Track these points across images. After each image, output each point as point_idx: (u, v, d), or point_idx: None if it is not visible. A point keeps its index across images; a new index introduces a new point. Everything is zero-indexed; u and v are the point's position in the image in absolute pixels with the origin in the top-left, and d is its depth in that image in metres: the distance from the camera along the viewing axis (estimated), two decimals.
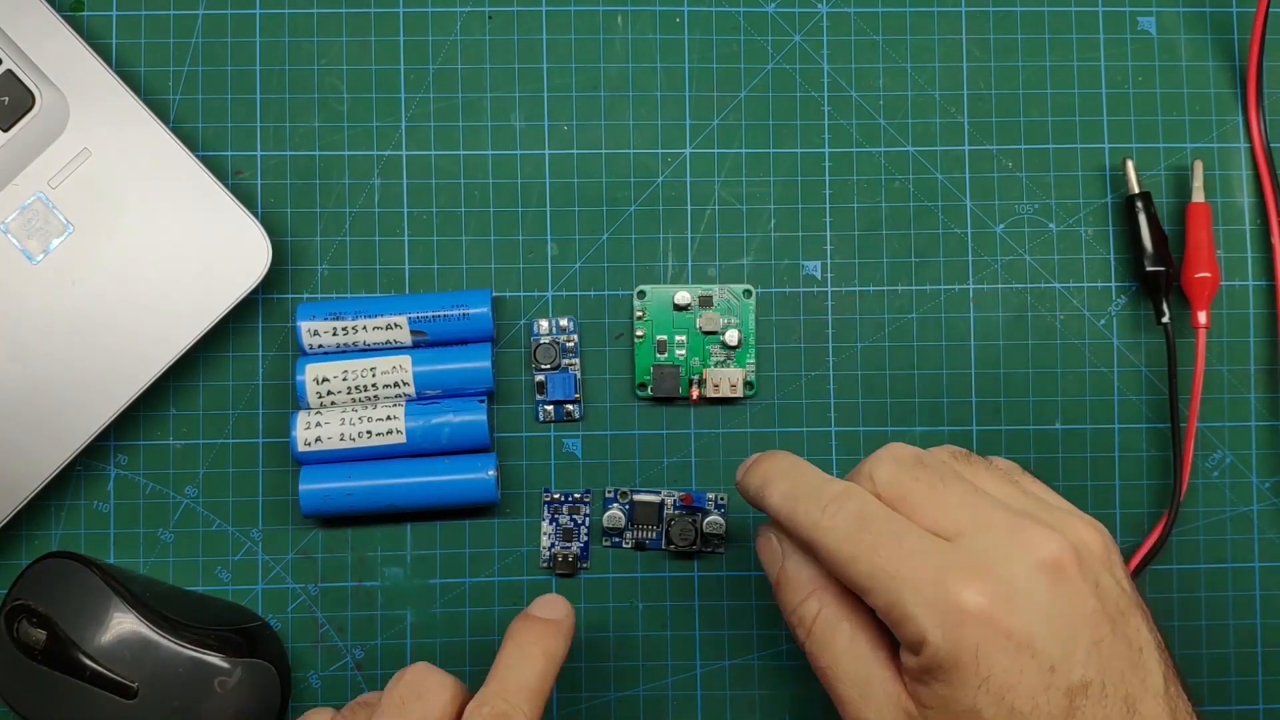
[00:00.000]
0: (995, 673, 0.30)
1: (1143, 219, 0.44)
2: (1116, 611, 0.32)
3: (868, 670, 0.33)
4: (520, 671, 0.34)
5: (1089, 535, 0.33)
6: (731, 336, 0.43)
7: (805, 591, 0.35)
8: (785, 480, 0.35)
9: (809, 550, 0.34)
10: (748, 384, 0.44)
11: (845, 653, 0.34)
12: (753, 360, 0.44)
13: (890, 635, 0.33)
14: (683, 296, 0.43)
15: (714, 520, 0.43)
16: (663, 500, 0.43)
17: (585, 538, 0.43)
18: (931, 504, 0.33)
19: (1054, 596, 0.31)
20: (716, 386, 0.43)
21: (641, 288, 0.44)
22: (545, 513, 0.43)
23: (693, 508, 0.43)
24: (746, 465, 0.37)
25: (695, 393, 0.43)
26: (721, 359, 0.44)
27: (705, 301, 0.44)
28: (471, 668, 0.43)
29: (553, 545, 0.43)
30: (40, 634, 0.39)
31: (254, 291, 0.42)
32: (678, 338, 0.44)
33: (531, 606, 0.37)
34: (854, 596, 0.34)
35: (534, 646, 0.35)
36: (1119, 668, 0.31)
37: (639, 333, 0.44)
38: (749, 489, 0.36)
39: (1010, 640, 0.30)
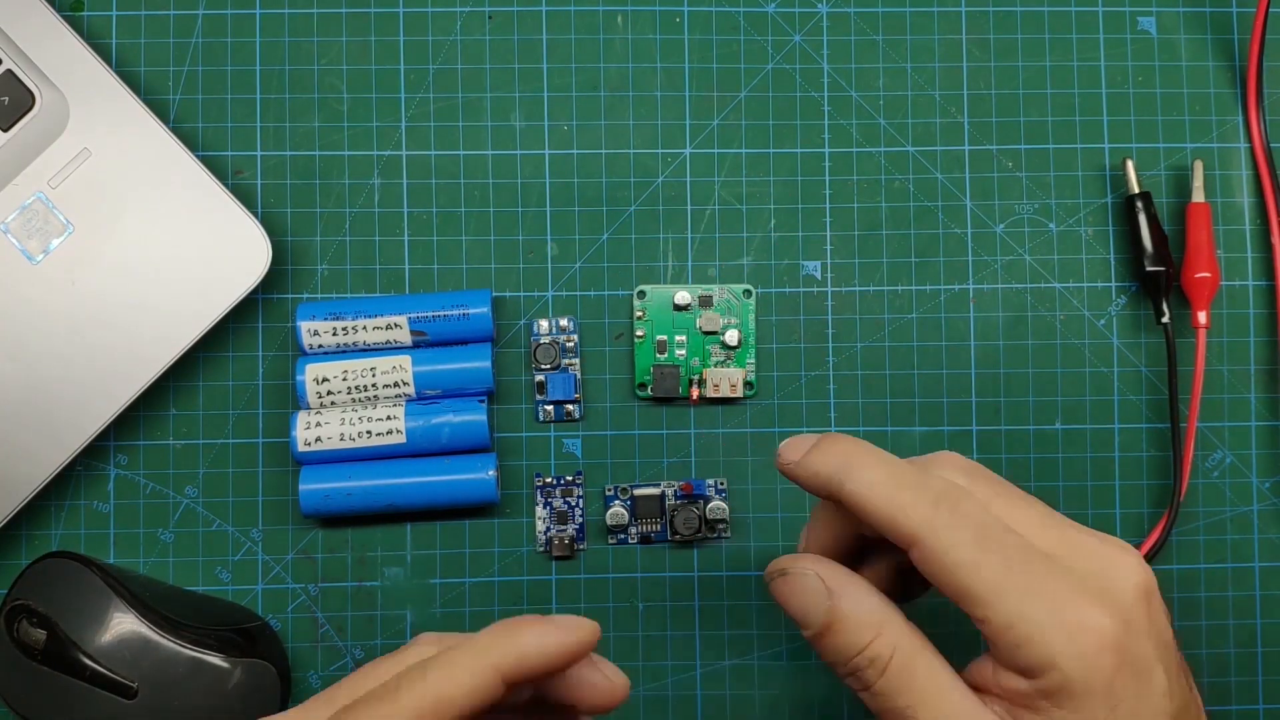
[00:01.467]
0: (1125, 699, 0.29)
1: (1143, 219, 0.44)
2: (1173, 635, 0.32)
3: (957, 703, 0.30)
4: (444, 685, 0.28)
5: (1143, 561, 0.32)
6: (731, 336, 0.43)
7: (873, 630, 0.31)
8: (878, 468, 0.31)
9: (908, 546, 0.31)
10: (747, 384, 0.44)
11: (929, 688, 0.30)
12: (752, 360, 0.44)
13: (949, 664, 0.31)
14: (683, 296, 0.43)
15: (717, 505, 0.43)
16: (663, 492, 0.43)
17: (580, 519, 0.43)
18: (1016, 520, 0.31)
19: (1151, 621, 0.31)
20: (716, 386, 0.43)
21: (641, 288, 0.44)
22: (539, 497, 0.43)
23: (693, 496, 0.43)
24: (803, 448, 0.33)
25: (695, 393, 0.43)
26: (721, 359, 0.44)
27: (705, 301, 0.44)
28: None
29: (548, 529, 0.43)
30: (40, 634, 0.39)
31: (254, 291, 0.42)
32: (678, 338, 0.44)
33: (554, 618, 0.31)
34: (916, 628, 0.32)
35: (490, 656, 0.28)
36: (1186, 695, 0.31)
37: (639, 333, 0.43)
38: (818, 472, 0.32)
39: (1135, 667, 0.30)
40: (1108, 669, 0.29)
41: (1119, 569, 0.31)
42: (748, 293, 0.44)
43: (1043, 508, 0.32)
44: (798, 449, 0.33)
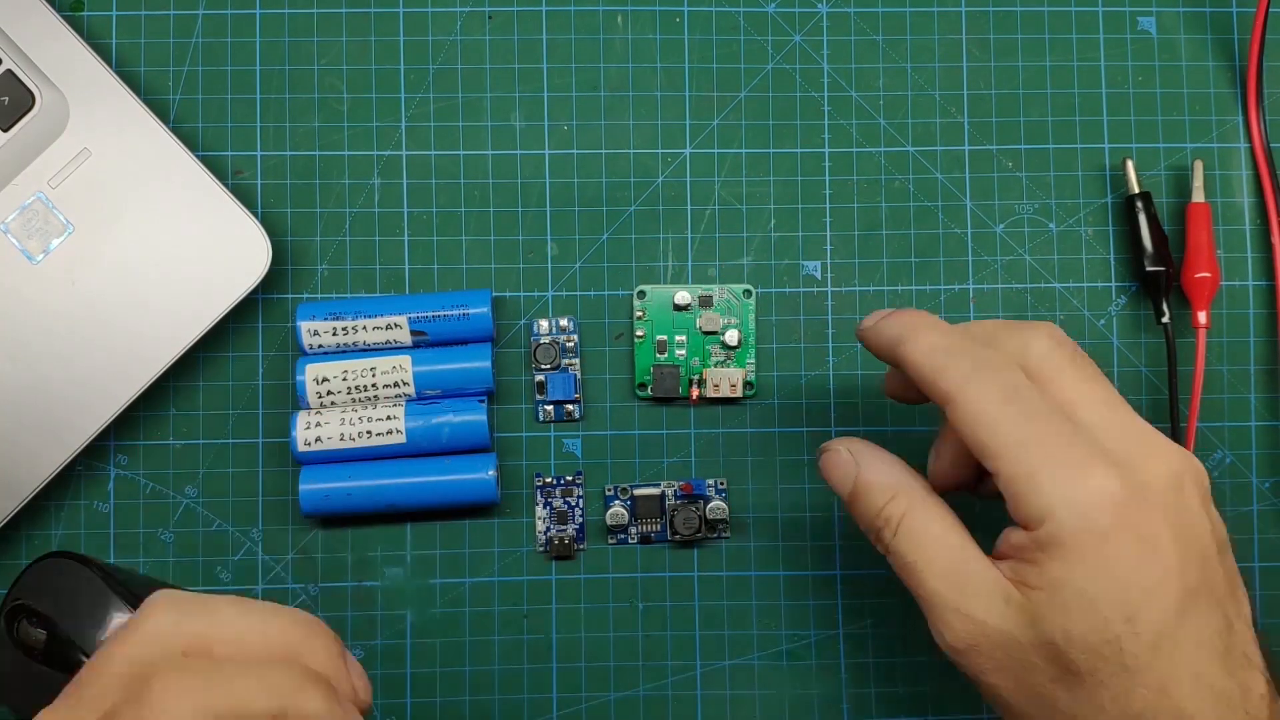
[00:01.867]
0: (1120, 560, 0.30)
1: (1143, 219, 0.44)
2: (1221, 539, 0.32)
3: (963, 559, 0.33)
4: None
5: (1198, 464, 0.33)
6: (731, 336, 0.43)
7: (889, 493, 0.34)
8: (935, 335, 0.34)
9: (945, 405, 0.33)
10: (747, 384, 0.44)
11: (938, 544, 0.33)
12: (752, 360, 0.44)
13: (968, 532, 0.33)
14: (683, 296, 0.43)
15: (717, 505, 0.43)
16: (663, 492, 0.43)
17: (580, 519, 0.43)
18: (1079, 394, 0.33)
19: (1179, 508, 0.31)
20: (716, 386, 0.43)
21: (642, 288, 0.44)
22: (539, 497, 0.43)
23: (693, 496, 0.43)
24: (879, 316, 0.36)
25: (695, 393, 0.43)
26: (721, 359, 0.44)
27: (705, 301, 0.44)
28: (471, 667, 0.43)
29: (548, 529, 0.43)
30: (40, 634, 0.39)
31: (254, 291, 0.42)
32: (678, 338, 0.43)
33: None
34: (937, 497, 0.34)
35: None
36: (1221, 587, 0.31)
37: (639, 333, 0.43)
38: (882, 338, 0.35)
39: (1138, 534, 0.30)
40: (1103, 528, 0.30)
41: (1156, 454, 0.32)
42: (748, 293, 0.44)
43: (1110, 392, 0.33)
44: (873, 317, 0.36)
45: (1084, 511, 0.30)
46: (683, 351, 0.44)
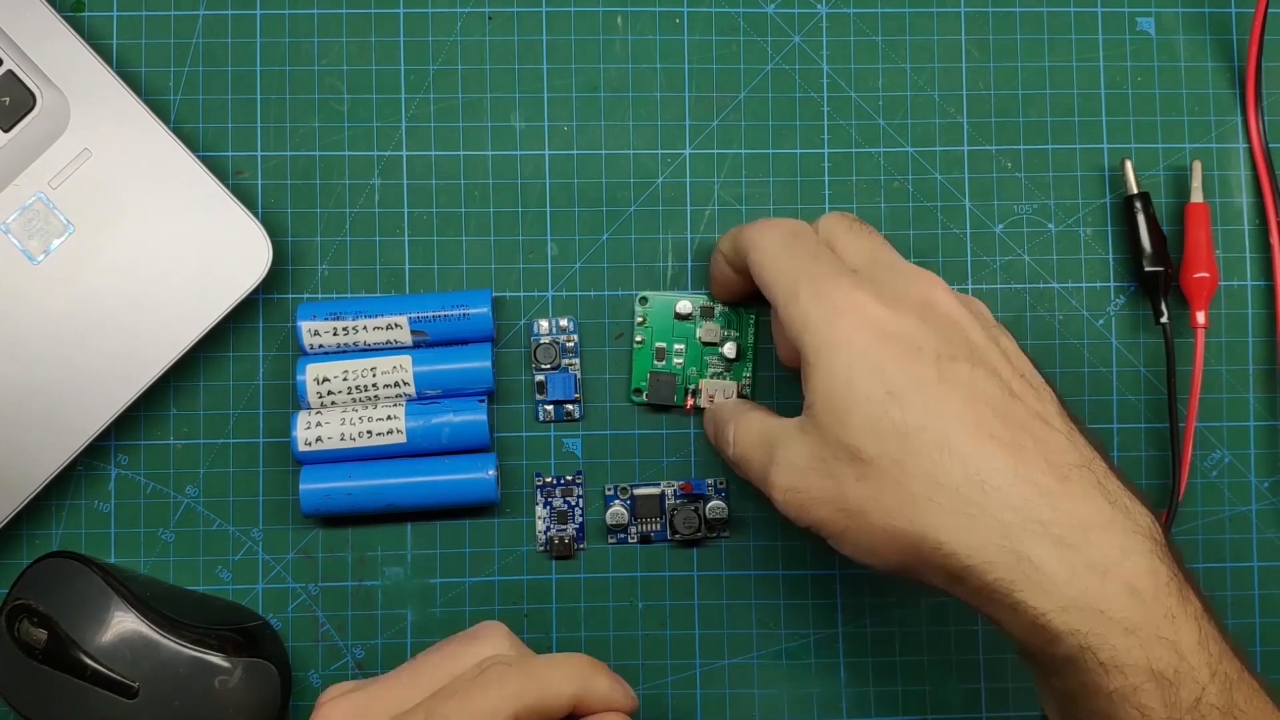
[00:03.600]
0: (868, 348, 0.34)
1: (1141, 219, 0.44)
2: (992, 337, 0.35)
3: (767, 428, 0.37)
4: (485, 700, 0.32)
5: (975, 303, 0.37)
6: (730, 349, 0.43)
7: (725, 419, 0.40)
8: (749, 225, 0.39)
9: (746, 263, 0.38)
10: (741, 398, 0.43)
11: (753, 434, 0.37)
12: (749, 375, 0.44)
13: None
14: (684, 306, 0.43)
15: (716, 505, 0.43)
16: (663, 492, 0.43)
17: (580, 519, 0.43)
18: (850, 243, 0.37)
19: (928, 310, 0.35)
20: (711, 398, 0.43)
21: (644, 294, 0.44)
22: (539, 496, 0.43)
23: (693, 495, 0.43)
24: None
25: (690, 402, 0.43)
26: (719, 370, 0.44)
27: (707, 312, 0.44)
28: None
29: (548, 529, 0.43)
30: (41, 633, 0.39)
31: (254, 291, 0.42)
32: (676, 346, 0.43)
33: (607, 677, 0.35)
34: (762, 409, 0.39)
35: (576, 682, 0.33)
36: (994, 363, 0.34)
37: (638, 338, 0.43)
38: (721, 245, 0.41)
39: (882, 326, 0.34)
40: (850, 325, 0.34)
41: (909, 279, 0.36)
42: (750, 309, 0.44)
43: (878, 245, 0.38)
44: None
45: (830, 316, 0.34)
46: (680, 360, 0.44)
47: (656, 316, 0.44)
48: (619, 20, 0.45)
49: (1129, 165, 0.44)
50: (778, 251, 0.37)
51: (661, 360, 0.43)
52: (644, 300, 0.44)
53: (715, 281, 0.42)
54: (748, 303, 0.44)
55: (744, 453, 0.38)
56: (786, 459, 0.35)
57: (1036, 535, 0.31)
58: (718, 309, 0.44)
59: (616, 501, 0.43)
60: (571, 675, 0.33)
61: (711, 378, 0.43)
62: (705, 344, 0.43)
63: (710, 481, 0.43)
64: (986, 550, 0.31)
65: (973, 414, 0.32)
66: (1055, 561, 0.31)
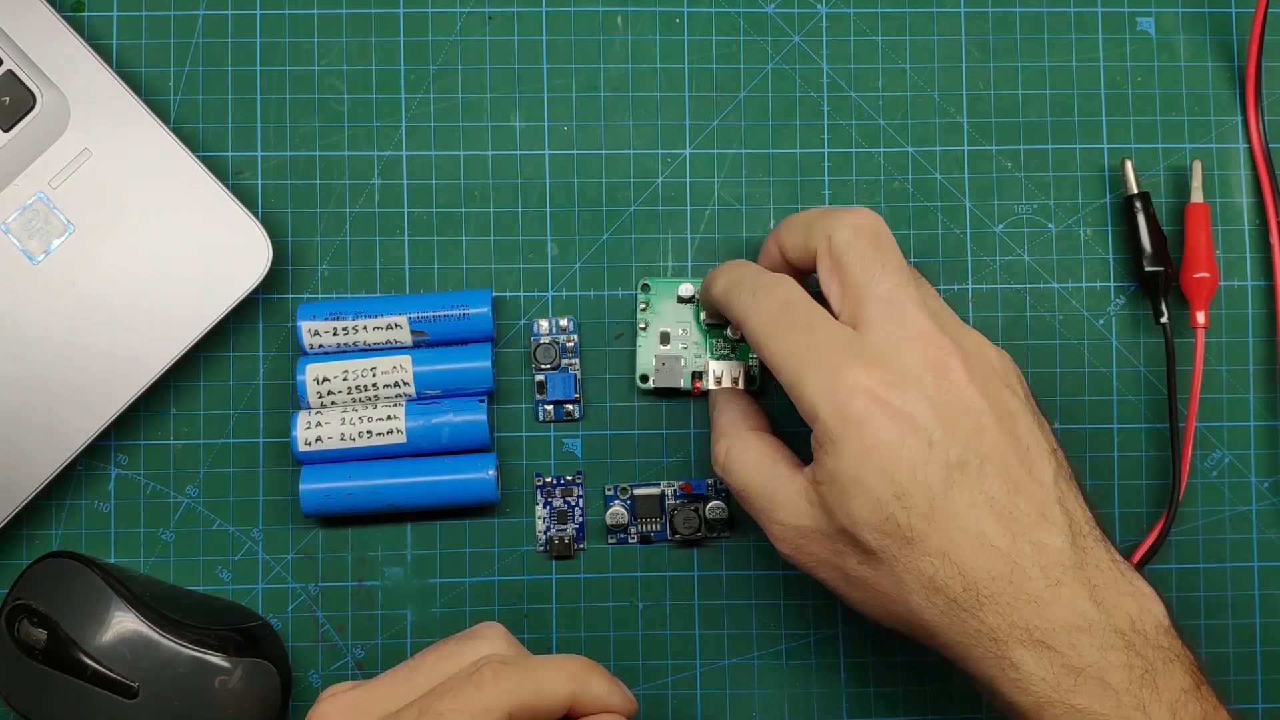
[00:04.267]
0: (877, 444, 0.33)
1: (1141, 219, 0.44)
2: (1003, 412, 0.35)
3: (774, 475, 0.37)
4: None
5: (990, 351, 0.36)
6: (733, 331, 0.43)
7: (720, 437, 0.39)
8: (730, 273, 0.39)
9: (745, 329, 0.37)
10: (750, 378, 0.43)
11: (754, 469, 0.37)
12: (755, 355, 0.44)
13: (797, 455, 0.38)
14: (686, 289, 0.43)
15: (716, 505, 0.43)
16: (663, 492, 0.43)
17: (580, 519, 0.43)
18: (859, 286, 0.36)
19: (940, 389, 0.34)
20: (719, 379, 0.43)
21: (646, 280, 0.44)
22: (539, 497, 0.43)
23: (693, 495, 0.43)
24: (709, 276, 0.41)
25: (698, 385, 0.43)
26: (725, 351, 0.44)
27: None
28: None
29: (548, 529, 0.43)
30: (41, 634, 0.39)
31: (254, 291, 0.42)
32: (680, 329, 0.43)
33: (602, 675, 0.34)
34: (760, 430, 0.39)
35: (571, 684, 0.33)
36: (1002, 455, 0.34)
37: (642, 324, 0.43)
38: (708, 291, 0.40)
39: (894, 417, 0.33)
40: (859, 417, 0.34)
41: (918, 344, 0.35)
42: None
43: (896, 283, 0.35)
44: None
45: (840, 405, 0.34)
46: (685, 345, 0.44)
47: (659, 301, 0.43)
48: (619, 20, 0.45)
49: (1129, 165, 0.44)
50: (772, 331, 0.36)
51: (666, 344, 0.43)
52: (646, 287, 0.44)
53: (707, 311, 0.43)
54: None
55: (740, 482, 0.38)
56: (791, 519, 0.36)
57: (1022, 641, 0.33)
58: None
59: (616, 502, 0.43)
60: (568, 676, 0.33)
61: (718, 359, 0.43)
62: (710, 326, 0.43)
63: (710, 481, 0.43)
64: (975, 648, 0.33)
65: (976, 525, 0.33)
66: (1035, 663, 0.33)
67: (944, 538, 0.33)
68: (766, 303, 0.37)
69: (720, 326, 0.43)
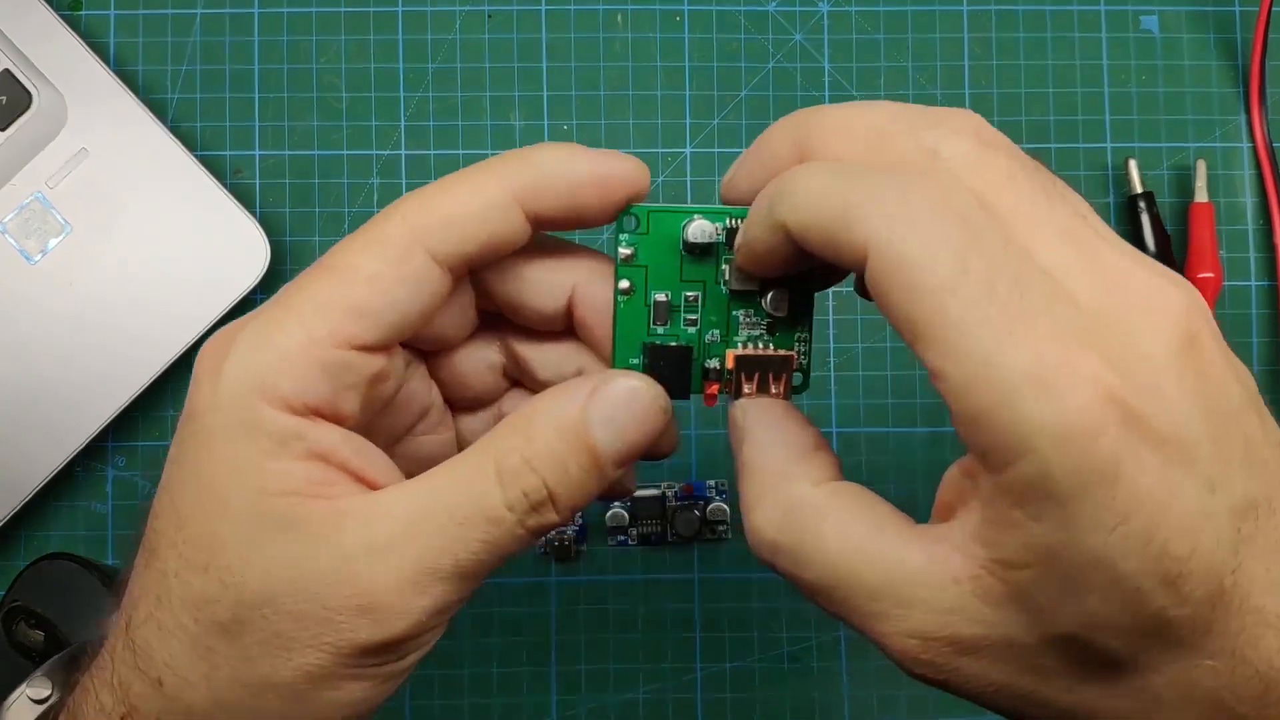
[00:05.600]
0: (1140, 500, 0.20)
1: (1145, 219, 0.44)
2: (1252, 394, 0.22)
3: (881, 555, 0.22)
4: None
5: (1200, 297, 0.22)
6: (776, 300, 0.27)
7: (766, 501, 0.24)
8: (822, 170, 0.23)
9: (859, 265, 0.22)
10: (793, 378, 0.27)
11: (838, 551, 0.23)
12: (804, 338, 0.27)
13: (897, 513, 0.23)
14: (701, 229, 0.26)
15: (717, 507, 0.43)
16: (663, 493, 0.43)
17: (581, 520, 0.43)
18: (1033, 226, 0.21)
19: (1198, 382, 0.21)
20: (750, 381, 0.26)
21: (634, 209, 0.27)
22: None
23: (694, 497, 0.43)
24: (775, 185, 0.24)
25: (713, 389, 0.27)
26: (758, 332, 0.27)
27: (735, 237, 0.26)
28: (470, 670, 0.43)
29: None
30: (38, 635, 0.39)
31: (253, 291, 0.42)
32: (688, 295, 0.27)
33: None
34: (842, 488, 0.24)
35: (499, 173, 0.25)
36: (1274, 474, 0.21)
37: (623, 284, 0.27)
38: (784, 211, 0.23)
39: (1157, 449, 0.20)
40: (1108, 456, 0.20)
41: (1150, 300, 0.21)
42: None
43: (1070, 207, 0.22)
44: (732, 171, 0.26)
45: (1077, 436, 0.19)
46: (696, 320, 0.27)
47: (653, 249, 0.27)
48: (619, 18, 0.45)
49: (1133, 165, 0.44)
50: (950, 265, 0.20)
51: (664, 323, 0.27)
52: (633, 219, 0.27)
53: (751, 255, 0.25)
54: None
55: (819, 574, 0.23)
56: (937, 626, 0.22)
57: None
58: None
59: (616, 503, 0.43)
60: (481, 183, 0.25)
61: (745, 345, 0.27)
62: (735, 292, 0.27)
63: (711, 483, 0.43)
64: None
65: (1277, 601, 0.21)
66: None
67: (1236, 628, 0.21)
68: (939, 221, 0.21)
69: (753, 292, 0.27)
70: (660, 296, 0.27)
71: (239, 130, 0.44)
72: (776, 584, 0.43)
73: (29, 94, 0.41)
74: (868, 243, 0.21)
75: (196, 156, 0.42)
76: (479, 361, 0.29)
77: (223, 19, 0.44)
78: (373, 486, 0.25)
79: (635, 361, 0.27)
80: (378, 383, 0.26)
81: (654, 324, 0.27)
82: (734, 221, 0.26)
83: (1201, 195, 0.44)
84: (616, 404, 0.25)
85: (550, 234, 0.27)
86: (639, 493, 0.43)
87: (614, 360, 0.27)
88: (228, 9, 0.44)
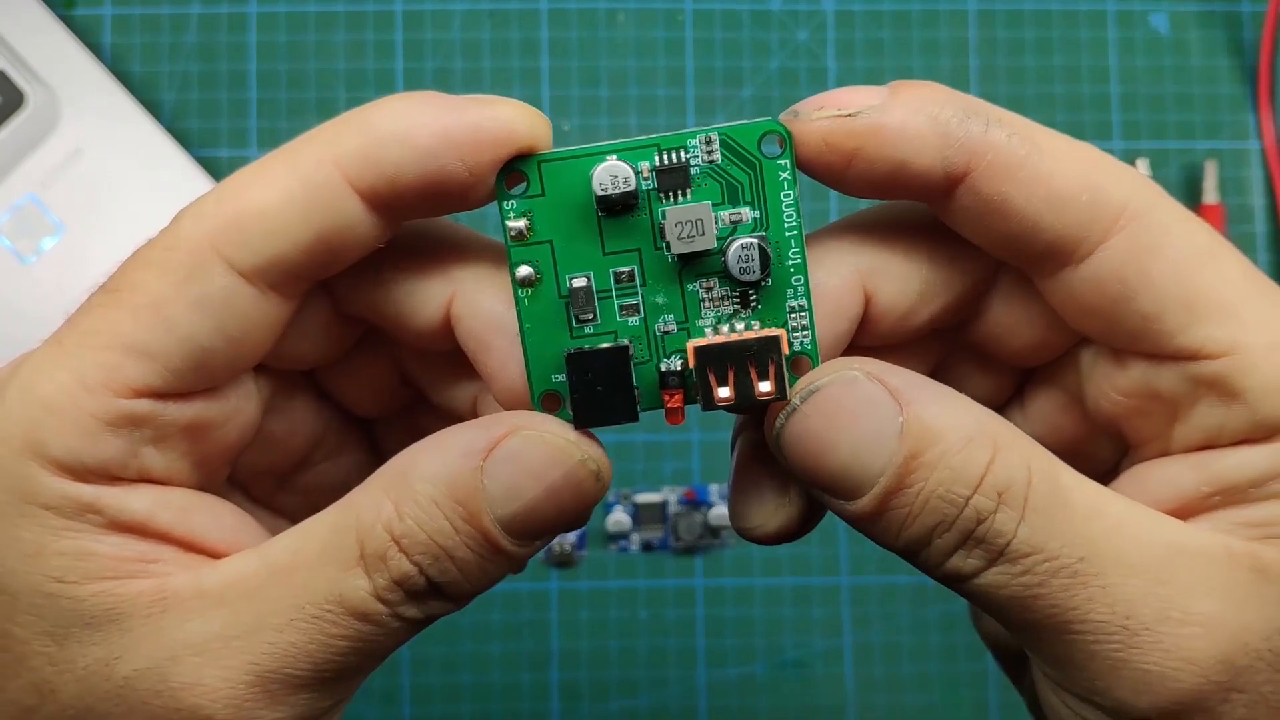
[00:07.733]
0: None
1: None
2: None
3: (1153, 540, 0.18)
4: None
5: None
6: (743, 256, 0.20)
7: (987, 446, 0.18)
8: (936, 90, 0.19)
9: (1102, 237, 0.19)
10: (802, 351, 0.21)
11: (1100, 522, 0.18)
12: (801, 307, 0.21)
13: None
14: (614, 175, 0.20)
15: (719, 512, 0.42)
16: (665, 499, 0.43)
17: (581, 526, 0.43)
18: (1175, 242, 0.20)
19: None
20: (767, 375, 0.20)
21: (518, 164, 0.20)
22: None
23: (696, 502, 0.43)
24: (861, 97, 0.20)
25: (674, 401, 0.20)
26: (727, 310, 0.21)
27: (673, 178, 0.20)
28: (470, 677, 0.42)
29: None
30: None
31: None
32: (618, 272, 0.20)
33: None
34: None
35: (318, 146, 0.20)
36: None
37: (522, 272, 0.20)
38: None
39: None
40: None
41: None
42: (779, 139, 0.22)
43: (1210, 235, 0.20)
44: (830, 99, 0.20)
45: None
46: (634, 303, 0.20)
47: (558, 215, 0.20)
48: (621, 16, 0.44)
49: (1142, 164, 0.43)
50: (1203, 240, 0.19)
51: (590, 317, 0.20)
52: (517, 176, 0.20)
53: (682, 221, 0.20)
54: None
55: (1078, 572, 0.18)
56: (1228, 633, 0.18)
57: None
58: (699, 155, 0.21)
59: (618, 508, 0.43)
60: (295, 164, 0.20)
61: (715, 328, 0.21)
62: (684, 257, 0.20)
63: (714, 488, 0.43)
64: None
65: None
66: None
67: None
68: (1175, 205, 0.20)
69: (710, 252, 0.20)
70: (578, 280, 0.20)
71: (235, 130, 0.43)
72: (780, 590, 0.43)
73: (22, 94, 0.41)
74: (1127, 205, 0.19)
75: (192, 156, 0.41)
76: (374, 379, 0.23)
77: (219, 18, 0.44)
78: (213, 555, 0.19)
79: (559, 380, 0.20)
80: (205, 432, 0.20)
81: (576, 321, 0.20)
82: (669, 155, 0.20)
83: (1211, 197, 0.43)
84: (517, 463, 0.19)
85: (431, 222, 0.21)
86: (641, 498, 0.43)
87: (530, 386, 0.20)
88: (224, 9, 0.44)
